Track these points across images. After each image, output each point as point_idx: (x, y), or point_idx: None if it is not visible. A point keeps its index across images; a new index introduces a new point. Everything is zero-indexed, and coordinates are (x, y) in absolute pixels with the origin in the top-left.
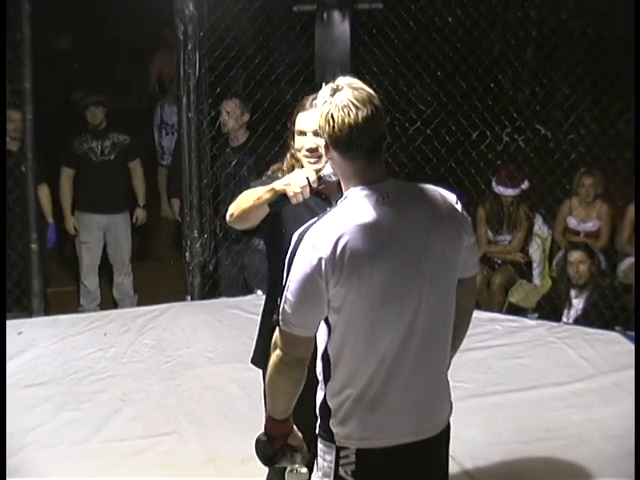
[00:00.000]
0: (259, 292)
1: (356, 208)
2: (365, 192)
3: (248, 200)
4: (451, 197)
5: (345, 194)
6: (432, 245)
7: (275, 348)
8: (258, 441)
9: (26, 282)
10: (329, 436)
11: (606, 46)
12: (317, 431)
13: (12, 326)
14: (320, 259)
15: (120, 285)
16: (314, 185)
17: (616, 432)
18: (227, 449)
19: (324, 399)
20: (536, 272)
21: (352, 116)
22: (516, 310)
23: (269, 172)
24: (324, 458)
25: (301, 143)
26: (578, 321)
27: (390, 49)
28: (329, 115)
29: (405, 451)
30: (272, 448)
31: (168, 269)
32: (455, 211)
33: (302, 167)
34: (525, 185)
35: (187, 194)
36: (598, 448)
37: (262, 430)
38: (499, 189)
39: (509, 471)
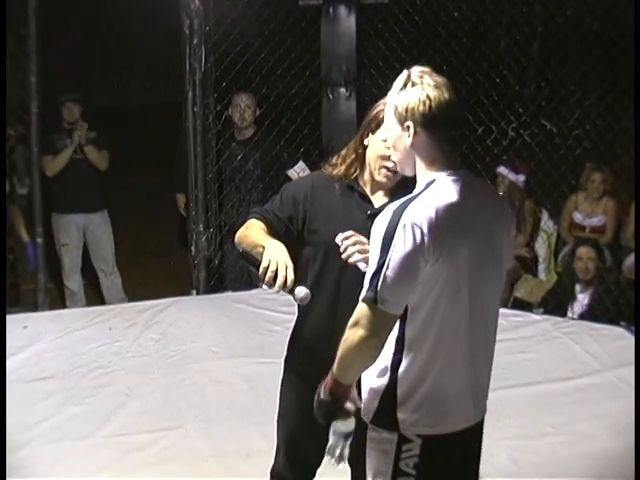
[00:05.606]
0: (265, 286)
1: (446, 191)
2: (452, 178)
3: (247, 237)
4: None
5: (431, 177)
6: (496, 234)
7: (358, 327)
8: (322, 401)
9: (31, 276)
10: (390, 425)
11: (612, 42)
12: (370, 419)
13: (17, 320)
14: (423, 237)
15: (108, 286)
16: (283, 289)
17: (621, 427)
18: (232, 443)
19: (390, 385)
20: (542, 267)
21: (448, 95)
22: (521, 305)
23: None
24: (379, 450)
25: (383, 151)
26: (583, 316)
27: (396, 44)
28: (423, 95)
29: (463, 436)
30: (334, 407)
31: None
32: (506, 205)
33: (368, 172)
34: (524, 176)
35: (192, 188)
36: (603, 443)
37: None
38: (501, 170)
39: (514, 466)
